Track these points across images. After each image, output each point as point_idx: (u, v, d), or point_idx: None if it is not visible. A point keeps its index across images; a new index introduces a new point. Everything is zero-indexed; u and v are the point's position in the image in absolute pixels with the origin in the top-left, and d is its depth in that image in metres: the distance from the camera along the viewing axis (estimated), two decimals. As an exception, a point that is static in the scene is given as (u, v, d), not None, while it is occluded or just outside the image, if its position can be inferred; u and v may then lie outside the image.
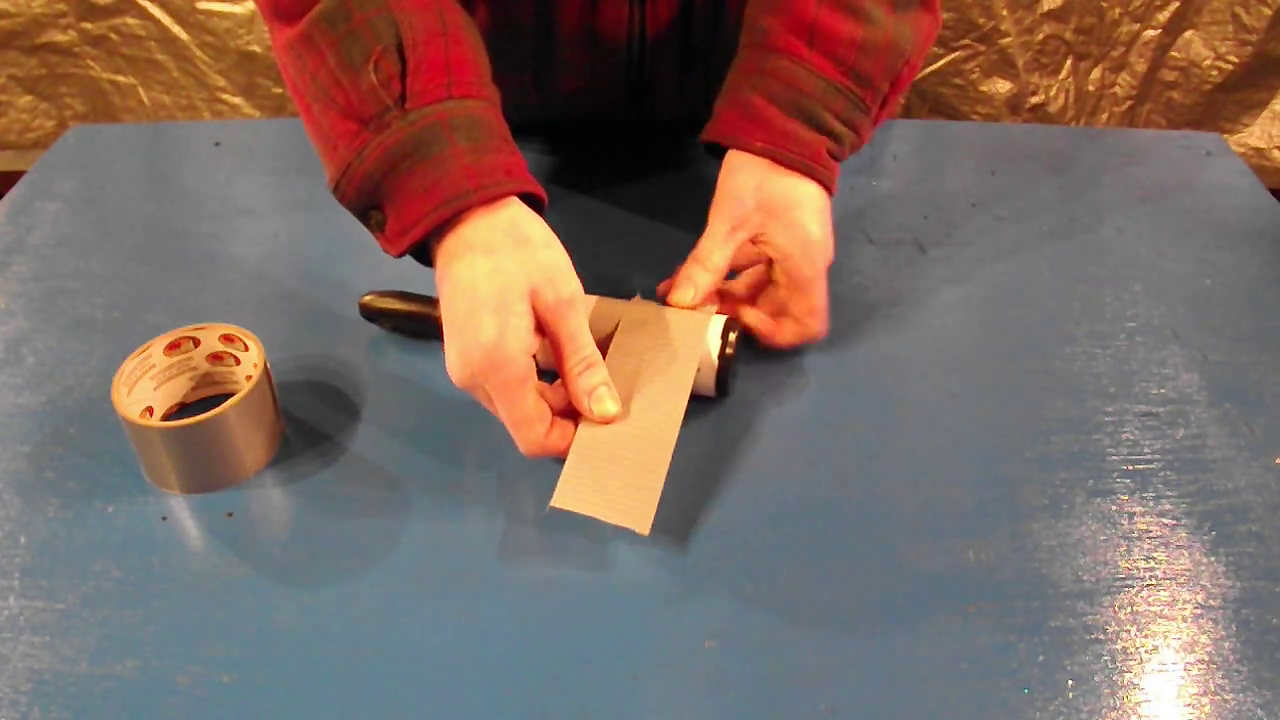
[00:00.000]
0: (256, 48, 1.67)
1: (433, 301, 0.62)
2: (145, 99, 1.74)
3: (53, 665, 0.46)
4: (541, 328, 0.52)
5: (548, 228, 0.53)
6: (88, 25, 1.67)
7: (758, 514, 0.54)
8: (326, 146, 0.55)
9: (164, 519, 0.53)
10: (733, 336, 0.58)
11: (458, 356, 0.51)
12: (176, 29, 1.66)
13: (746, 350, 0.64)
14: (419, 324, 0.64)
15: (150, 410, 0.57)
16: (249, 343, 0.57)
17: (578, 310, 0.52)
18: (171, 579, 0.50)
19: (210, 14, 1.65)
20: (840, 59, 0.60)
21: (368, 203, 0.54)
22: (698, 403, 0.61)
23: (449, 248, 0.52)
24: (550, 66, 0.76)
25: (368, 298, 0.65)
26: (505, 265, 0.51)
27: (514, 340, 0.50)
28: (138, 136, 0.90)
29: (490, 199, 0.52)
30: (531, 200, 0.55)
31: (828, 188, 0.61)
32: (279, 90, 1.72)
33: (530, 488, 0.55)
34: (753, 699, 0.46)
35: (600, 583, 0.51)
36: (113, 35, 1.68)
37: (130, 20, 1.66)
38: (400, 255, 0.54)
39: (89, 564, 0.51)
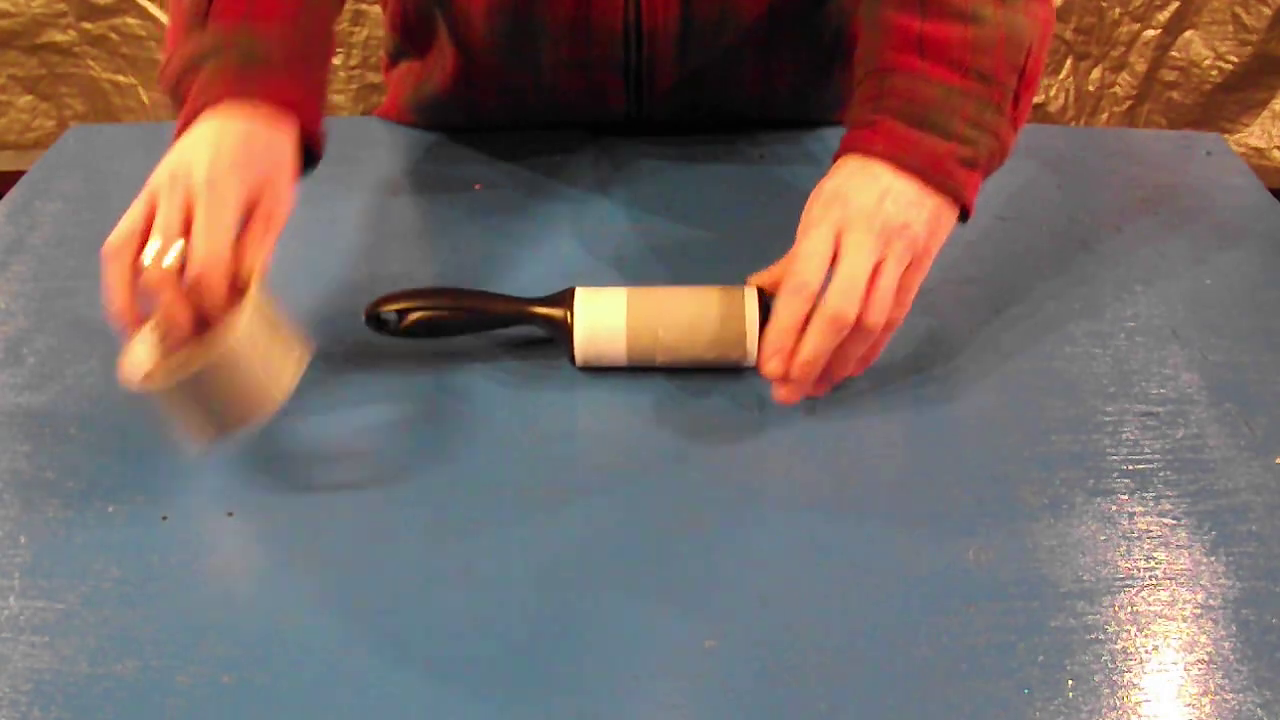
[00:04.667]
0: (256, 48, 1.67)
1: (443, 293, 0.63)
2: (145, 99, 1.74)
3: (53, 665, 0.46)
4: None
5: (285, 146, 0.56)
6: (88, 25, 1.67)
7: (757, 514, 0.54)
8: (165, 42, 0.63)
9: (164, 519, 0.53)
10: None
11: (172, 160, 0.53)
12: (176, 29, 1.66)
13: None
14: (430, 324, 0.62)
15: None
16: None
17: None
18: (171, 579, 0.50)
19: (210, 14, 1.64)
20: (956, 62, 0.58)
21: (176, 95, 0.59)
22: (692, 397, 0.61)
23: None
24: (547, 61, 0.76)
25: (371, 306, 0.63)
26: (227, 131, 0.54)
27: (231, 158, 0.52)
28: (138, 136, 0.90)
29: (235, 103, 0.55)
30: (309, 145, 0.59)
31: (955, 198, 0.57)
32: (279, 90, 1.72)
33: (531, 487, 0.55)
34: (753, 699, 0.46)
35: (600, 582, 0.51)
36: (113, 35, 1.68)
37: (130, 20, 1.67)
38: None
39: (89, 564, 0.51)
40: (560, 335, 0.61)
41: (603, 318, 0.60)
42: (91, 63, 1.71)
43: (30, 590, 0.50)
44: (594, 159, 0.83)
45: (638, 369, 0.62)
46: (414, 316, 0.62)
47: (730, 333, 0.60)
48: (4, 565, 0.51)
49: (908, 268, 0.55)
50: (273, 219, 0.55)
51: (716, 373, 0.62)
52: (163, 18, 1.65)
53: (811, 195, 0.58)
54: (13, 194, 0.80)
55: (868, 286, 0.54)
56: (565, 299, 0.61)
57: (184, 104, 0.58)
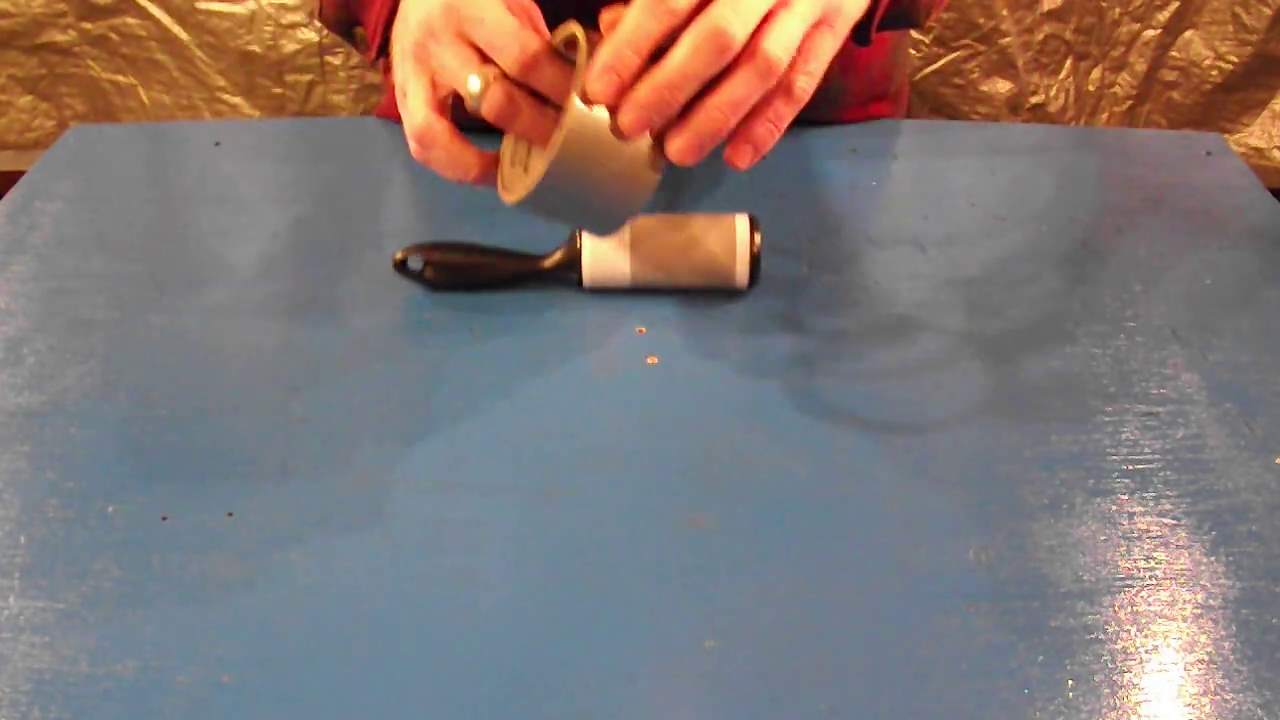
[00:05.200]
0: (256, 48, 1.67)
1: (475, 249, 0.68)
2: (145, 99, 1.74)
3: (53, 665, 0.46)
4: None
5: None
6: (88, 25, 1.67)
7: (758, 513, 0.54)
8: None
9: (164, 519, 0.53)
10: (758, 236, 0.66)
11: (414, 24, 0.48)
12: (176, 29, 1.66)
13: (744, 353, 0.64)
14: (460, 272, 0.68)
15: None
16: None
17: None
18: (171, 579, 0.50)
19: (210, 14, 1.65)
20: None
21: (347, 17, 0.54)
22: (692, 397, 0.61)
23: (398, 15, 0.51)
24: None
25: (401, 253, 0.67)
26: None
27: None
28: (138, 136, 0.90)
29: None
30: None
31: None
32: (279, 90, 1.72)
33: (531, 487, 0.55)
34: (753, 699, 0.46)
35: (600, 582, 0.51)
36: (113, 35, 1.68)
37: (130, 20, 1.66)
38: (377, 54, 0.54)
39: (89, 564, 0.51)
40: (570, 262, 0.67)
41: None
42: (91, 63, 1.71)
43: (30, 590, 0.50)
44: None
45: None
46: (437, 259, 0.67)
47: (722, 250, 0.65)
48: (4, 565, 0.51)
49: (815, 25, 0.46)
50: (528, 7, 0.51)
51: (716, 373, 0.62)
52: (163, 18, 1.65)
53: None
54: (13, 194, 0.80)
55: (765, 13, 0.44)
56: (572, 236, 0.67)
57: (367, 7, 0.54)
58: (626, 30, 0.43)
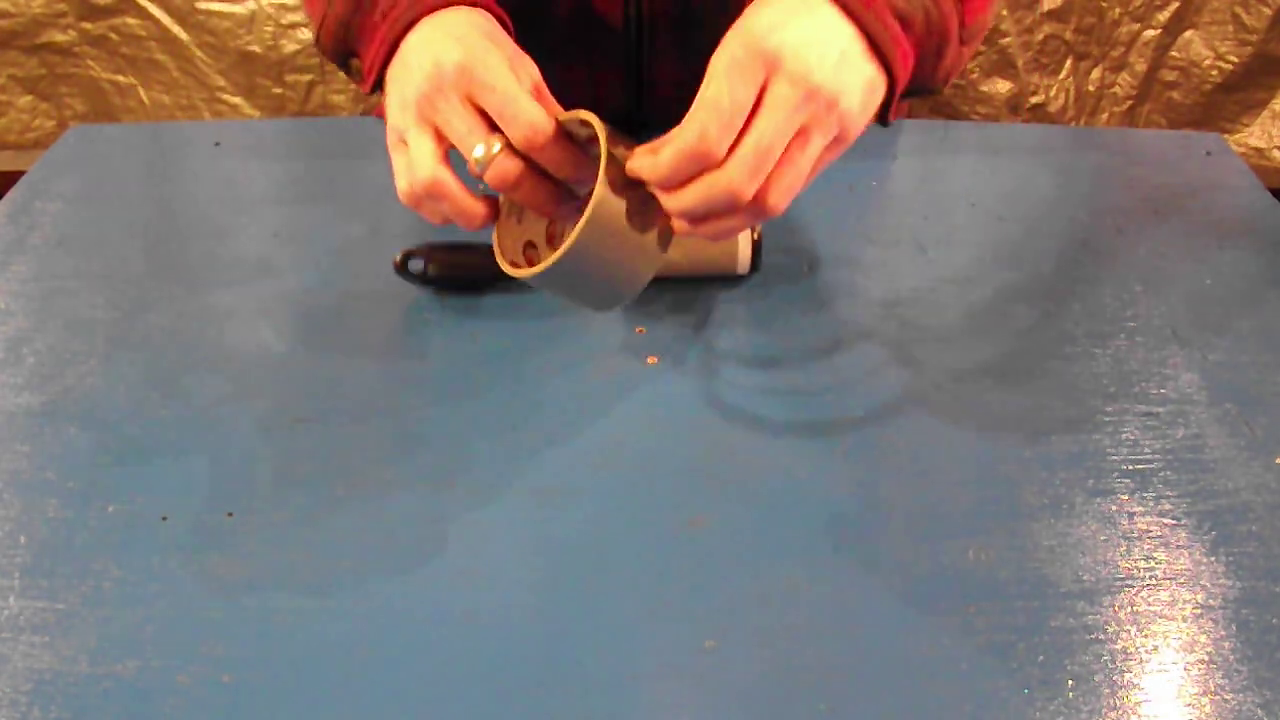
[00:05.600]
0: (256, 48, 1.67)
1: (477, 249, 0.66)
2: (145, 99, 1.74)
3: (53, 665, 0.46)
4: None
5: (501, 30, 0.53)
6: (88, 25, 1.67)
7: (758, 514, 0.54)
8: (311, 7, 0.59)
9: (164, 519, 0.53)
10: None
11: (420, 75, 0.49)
12: (176, 29, 1.66)
13: (744, 353, 0.64)
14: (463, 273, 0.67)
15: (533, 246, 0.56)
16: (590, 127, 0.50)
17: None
18: (171, 579, 0.50)
19: (210, 14, 1.65)
20: None
21: (344, 49, 0.54)
22: (693, 397, 0.61)
23: (396, 55, 0.52)
24: (546, 56, 0.76)
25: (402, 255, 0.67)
26: (458, 26, 0.50)
27: (490, 46, 0.48)
28: (138, 136, 0.90)
29: (436, 7, 0.52)
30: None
31: (888, 64, 0.48)
32: (279, 90, 1.72)
33: (531, 487, 0.55)
34: (753, 699, 0.46)
35: (600, 583, 0.51)
36: (113, 35, 1.68)
37: (130, 20, 1.66)
38: (372, 89, 0.54)
39: (89, 564, 0.51)
40: None
41: None
42: (91, 63, 1.71)
43: (30, 590, 0.50)
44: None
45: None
46: (437, 261, 0.67)
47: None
48: (4, 565, 0.51)
49: (827, 148, 0.48)
50: (536, 80, 0.52)
51: (716, 373, 0.62)
52: (163, 18, 1.65)
53: (735, 27, 0.47)
54: (13, 194, 0.80)
55: (780, 159, 0.46)
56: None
57: (365, 45, 0.54)
58: (662, 168, 0.46)
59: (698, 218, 0.48)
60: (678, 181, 0.47)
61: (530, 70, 0.52)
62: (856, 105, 0.47)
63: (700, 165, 0.46)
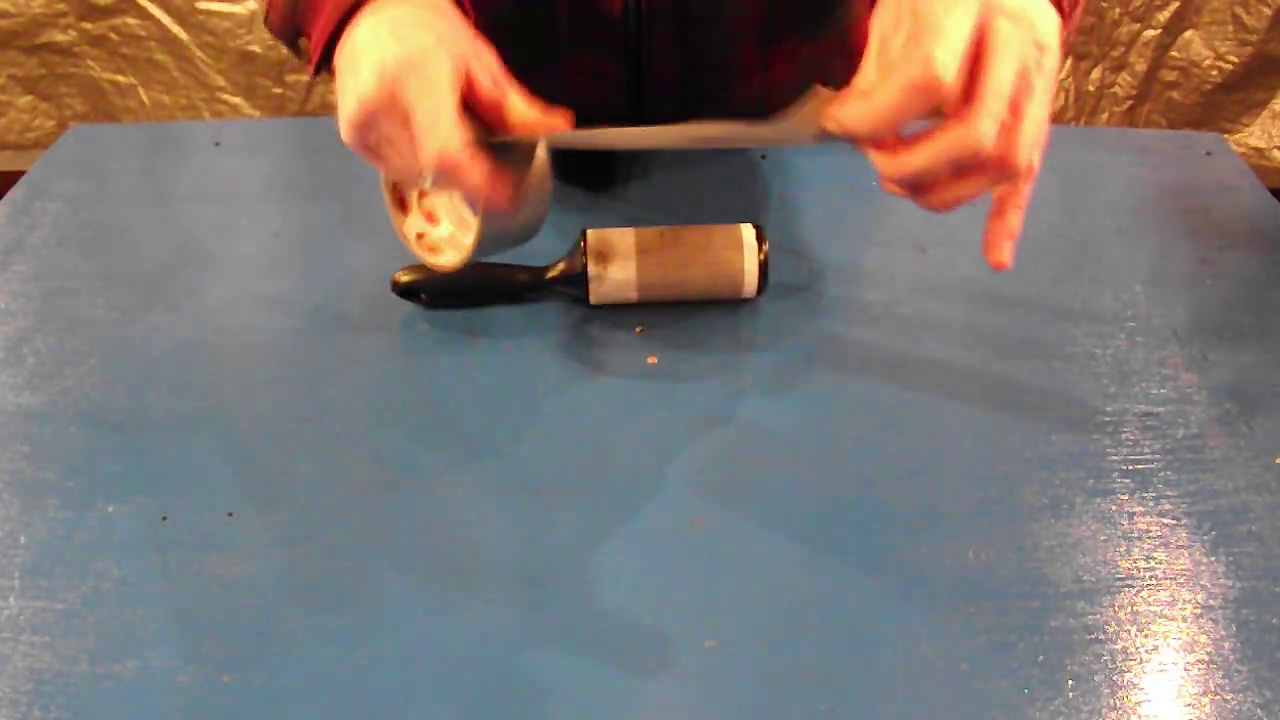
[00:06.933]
0: (256, 48, 1.67)
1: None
2: (145, 99, 1.74)
3: (53, 665, 0.46)
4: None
5: (453, 16, 0.50)
6: (88, 25, 1.67)
7: (758, 514, 0.54)
8: None
9: (164, 519, 0.53)
10: (765, 245, 0.65)
11: (368, 69, 0.46)
12: (176, 29, 1.67)
13: (744, 353, 0.64)
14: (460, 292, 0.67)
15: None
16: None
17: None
18: (171, 579, 0.50)
19: (210, 14, 1.65)
20: None
21: (293, 29, 0.54)
22: (693, 398, 0.61)
23: (343, 41, 0.49)
24: (547, 52, 0.76)
25: (399, 275, 0.66)
26: (405, 23, 0.47)
27: (438, 44, 0.45)
28: (138, 136, 0.90)
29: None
30: None
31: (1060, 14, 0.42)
32: (279, 90, 1.72)
33: (531, 487, 0.55)
34: (753, 699, 0.46)
35: (600, 583, 0.51)
36: (113, 35, 1.68)
37: (130, 20, 1.66)
38: (317, 72, 0.53)
39: (89, 564, 0.51)
40: (572, 277, 0.65)
41: (613, 246, 0.65)
42: (91, 63, 1.71)
43: (30, 590, 0.50)
44: (593, 158, 0.83)
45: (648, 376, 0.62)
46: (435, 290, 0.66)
47: (730, 262, 0.65)
48: (4, 565, 0.51)
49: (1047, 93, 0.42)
50: (493, 71, 0.50)
51: (716, 373, 0.62)
52: (163, 18, 1.65)
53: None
54: (13, 194, 0.80)
55: (1014, 108, 0.40)
56: (576, 243, 0.66)
57: (312, 24, 0.52)
58: (884, 102, 0.40)
59: (925, 184, 0.41)
60: (896, 124, 0.39)
61: (487, 61, 0.50)
62: (1055, 56, 0.41)
63: (927, 101, 0.38)
